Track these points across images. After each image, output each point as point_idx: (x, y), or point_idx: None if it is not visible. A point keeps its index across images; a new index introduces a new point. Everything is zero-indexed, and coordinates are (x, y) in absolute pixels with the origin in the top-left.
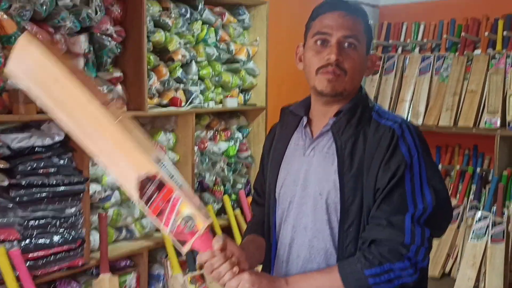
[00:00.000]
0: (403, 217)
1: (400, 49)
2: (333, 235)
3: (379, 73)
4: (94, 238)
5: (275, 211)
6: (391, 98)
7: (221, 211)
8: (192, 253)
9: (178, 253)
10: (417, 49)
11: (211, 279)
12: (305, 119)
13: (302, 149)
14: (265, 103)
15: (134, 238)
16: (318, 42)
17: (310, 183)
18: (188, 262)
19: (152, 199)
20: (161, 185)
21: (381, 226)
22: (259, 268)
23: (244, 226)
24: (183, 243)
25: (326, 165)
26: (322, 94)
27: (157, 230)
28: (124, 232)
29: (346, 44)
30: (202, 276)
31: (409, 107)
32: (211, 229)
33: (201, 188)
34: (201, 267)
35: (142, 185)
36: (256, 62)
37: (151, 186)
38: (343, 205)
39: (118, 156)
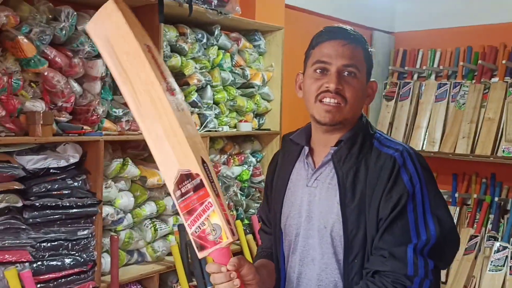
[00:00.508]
0: (406, 249)
1: (416, 76)
2: (340, 268)
3: (394, 99)
4: (106, 261)
5: (282, 242)
6: (406, 124)
7: None
8: (203, 278)
9: (189, 278)
10: (433, 76)
11: None
12: (306, 149)
13: (305, 179)
14: (279, 128)
15: (145, 262)
16: (318, 71)
17: (314, 215)
18: (199, 287)
19: (186, 196)
20: (199, 186)
21: (384, 258)
22: None
23: (256, 252)
24: (202, 247)
25: (329, 196)
26: (321, 123)
27: (169, 254)
28: (135, 255)
29: (346, 73)
30: None
31: (425, 134)
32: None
33: None
34: None
35: (181, 180)
36: (271, 87)
37: (189, 184)
38: (346, 237)
39: (167, 144)
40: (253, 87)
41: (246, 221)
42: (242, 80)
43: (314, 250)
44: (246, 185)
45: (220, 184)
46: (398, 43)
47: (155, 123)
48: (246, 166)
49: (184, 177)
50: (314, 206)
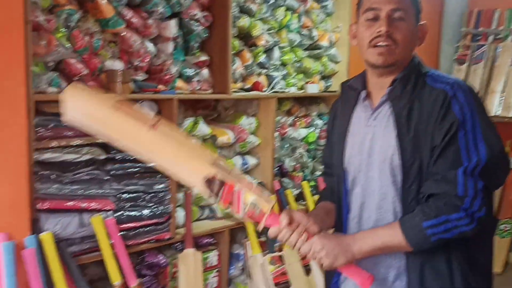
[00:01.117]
0: (457, 171)
1: (491, 38)
2: (399, 195)
3: (467, 62)
4: (179, 215)
5: (345, 180)
6: (480, 89)
7: (300, 197)
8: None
9: (258, 234)
10: (510, 38)
11: (289, 259)
12: (363, 93)
13: (365, 120)
14: None
15: (216, 218)
16: (369, 18)
17: (374, 150)
18: (268, 243)
19: (220, 194)
20: (222, 183)
21: (437, 181)
22: (331, 231)
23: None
24: (256, 223)
25: (387, 132)
26: (375, 66)
27: None
28: (206, 211)
29: (395, 17)
30: (281, 258)
31: (500, 99)
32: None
33: (280, 172)
34: (280, 249)
35: (208, 185)
36: (338, 48)
37: (215, 185)
38: (404, 166)
39: (180, 166)
40: (320, 49)
41: (312, 183)
42: (309, 41)
43: (375, 182)
44: (312, 147)
45: (287, 145)
46: (472, 4)
47: (163, 156)
48: (313, 129)
49: (209, 182)
50: (374, 142)
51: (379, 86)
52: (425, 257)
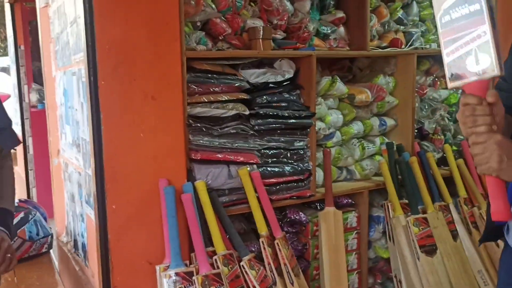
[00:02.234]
0: None
1: None
2: None
3: None
4: (319, 174)
5: None
6: None
7: (440, 162)
8: (414, 196)
9: (400, 196)
10: None
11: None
12: None
13: None
14: None
15: (354, 179)
16: None
17: None
18: (411, 205)
19: (456, 23)
20: (475, 13)
21: None
22: None
23: (468, 177)
24: (457, 77)
25: None
26: None
27: (375, 174)
28: (344, 172)
29: None
30: (425, 220)
31: None
32: None
33: (420, 135)
34: (424, 211)
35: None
36: None
37: (462, 9)
38: None
39: None
40: None
41: (454, 148)
42: None
43: None
44: (454, 109)
45: (427, 107)
46: None
47: None
48: (454, 89)
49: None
50: None
51: None
52: None
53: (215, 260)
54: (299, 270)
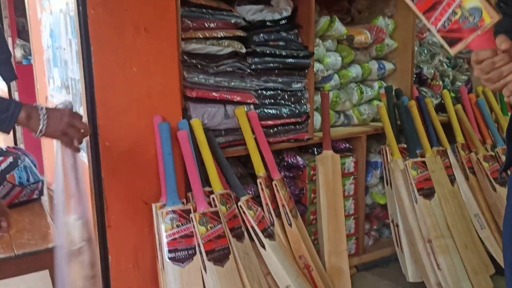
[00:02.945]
0: None
1: None
2: None
3: None
4: (316, 119)
5: None
6: None
7: (438, 109)
8: (413, 140)
9: (398, 141)
10: None
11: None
12: None
13: None
14: None
15: (351, 124)
16: None
17: None
18: (409, 149)
19: None
20: None
21: None
22: None
23: (466, 123)
24: (455, 42)
25: None
26: None
27: (373, 120)
28: (342, 117)
29: None
30: (423, 163)
31: None
32: None
33: (418, 80)
34: (422, 155)
35: None
36: None
37: None
38: None
39: None
40: None
41: (452, 94)
42: None
43: None
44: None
45: (425, 51)
46: None
47: None
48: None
49: None
50: None
51: None
52: None
53: (213, 198)
54: (297, 212)
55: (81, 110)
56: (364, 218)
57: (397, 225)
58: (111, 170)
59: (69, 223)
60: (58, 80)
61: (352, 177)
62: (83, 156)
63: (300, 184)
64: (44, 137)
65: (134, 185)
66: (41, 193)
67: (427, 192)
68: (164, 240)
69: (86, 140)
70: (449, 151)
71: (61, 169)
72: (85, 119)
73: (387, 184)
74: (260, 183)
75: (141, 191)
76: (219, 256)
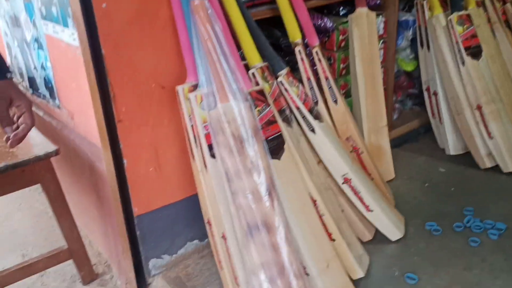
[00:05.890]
0: None
1: None
2: None
3: None
4: None
5: None
6: None
7: None
8: None
9: None
10: None
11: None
12: None
13: None
14: None
15: None
16: None
17: None
18: (452, 1)
19: None
20: None
21: None
22: None
23: None
24: None
25: None
26: None
27: None
28: None
29: None
30: (468, 17)
31: None
32: None
33: None
34: (466, 7)
35: None
36: None
37: None
38: None
39: None
40: None
41: None
42: None
43: None
44: None
45: None
46: None
47: None
48: None
49: None
50: None
51: None
52: None
53: (253, 74)
54: (339, 87)
55: None
56: (393, 89)
57: (435, 94)
58: (114, 43)
59: None
60: None
61: (381, 40)
62: (56, 29)
63: (326, 53)
64: None
65: (147, 64)
66: None
67: (475, 51)
68: (203, 132)
69: (73, 6)
70: (487, 1)
71: None
72: None
73: (421, 46)
74: (300, 51)
75: (155, 73)
76: (273, 147)
